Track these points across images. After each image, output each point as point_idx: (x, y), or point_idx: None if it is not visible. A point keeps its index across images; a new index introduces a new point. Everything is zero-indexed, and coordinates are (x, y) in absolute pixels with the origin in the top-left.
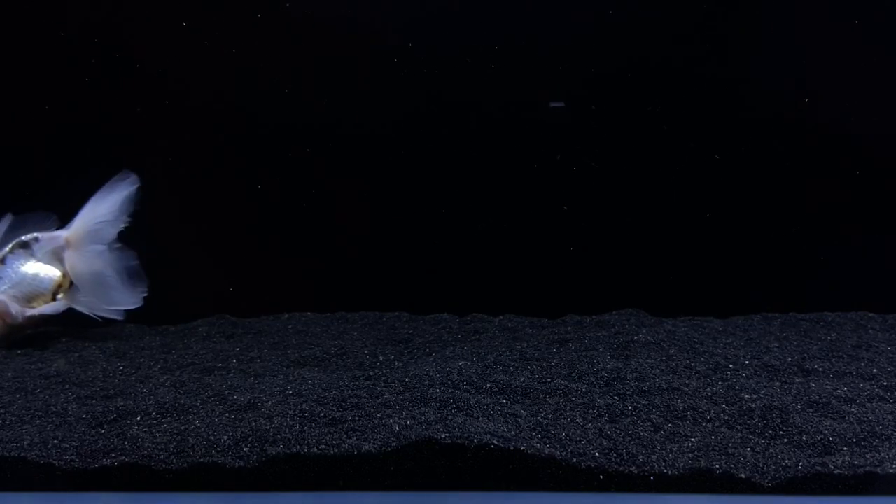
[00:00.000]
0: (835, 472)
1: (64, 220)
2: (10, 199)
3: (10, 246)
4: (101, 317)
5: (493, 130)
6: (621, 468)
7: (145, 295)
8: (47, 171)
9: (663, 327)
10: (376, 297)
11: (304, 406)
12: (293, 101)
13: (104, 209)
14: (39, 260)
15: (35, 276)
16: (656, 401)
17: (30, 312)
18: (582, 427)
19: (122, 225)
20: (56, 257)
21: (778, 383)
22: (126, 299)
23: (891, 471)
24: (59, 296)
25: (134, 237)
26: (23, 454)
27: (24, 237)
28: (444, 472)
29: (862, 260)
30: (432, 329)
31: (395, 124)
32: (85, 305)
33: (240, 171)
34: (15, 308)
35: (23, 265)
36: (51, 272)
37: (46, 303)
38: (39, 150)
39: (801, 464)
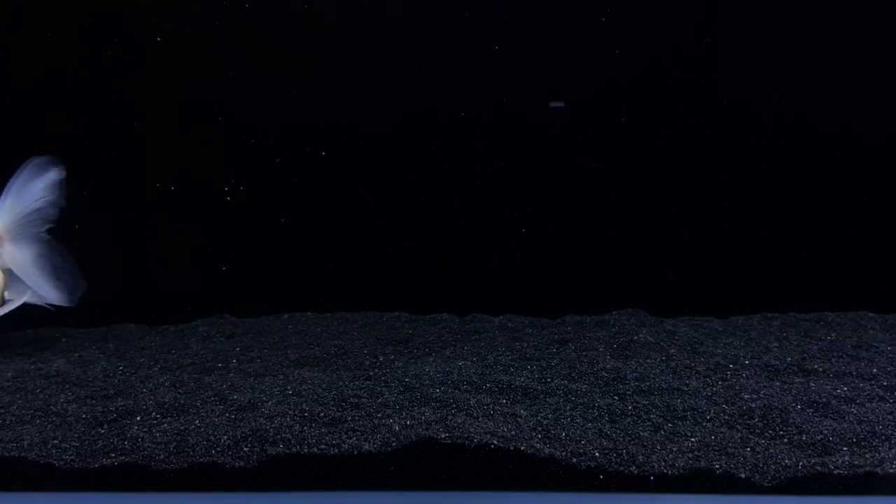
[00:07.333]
0: (835, 472)
1: None
2: None
3: None
4: (52, 305)
5: (493, 131)
6: (621, 468)
7: (84, 282)
8: None
9: (663, 327)
10: (376, 297)
11: (304, 406)
12: (293, 101)
13: (30, 197)
14: None
15: None
16: (656, 401)
17: None
18: (582, 427)
19: (54, 212)
20: None
21: (778, 383)
22: (71, 284)
23: (891, 471)
24: (5, 293)
25: (135, 237)
26: (23, 454)
27: None
28: (444, 472)
29: (862, 260)
30: (432, 329)
31: (394, 125)
32: (34, 297)
33: (240, 171)
34: None
35: None
36: None
37: None
38: None
39: (801, 464)
